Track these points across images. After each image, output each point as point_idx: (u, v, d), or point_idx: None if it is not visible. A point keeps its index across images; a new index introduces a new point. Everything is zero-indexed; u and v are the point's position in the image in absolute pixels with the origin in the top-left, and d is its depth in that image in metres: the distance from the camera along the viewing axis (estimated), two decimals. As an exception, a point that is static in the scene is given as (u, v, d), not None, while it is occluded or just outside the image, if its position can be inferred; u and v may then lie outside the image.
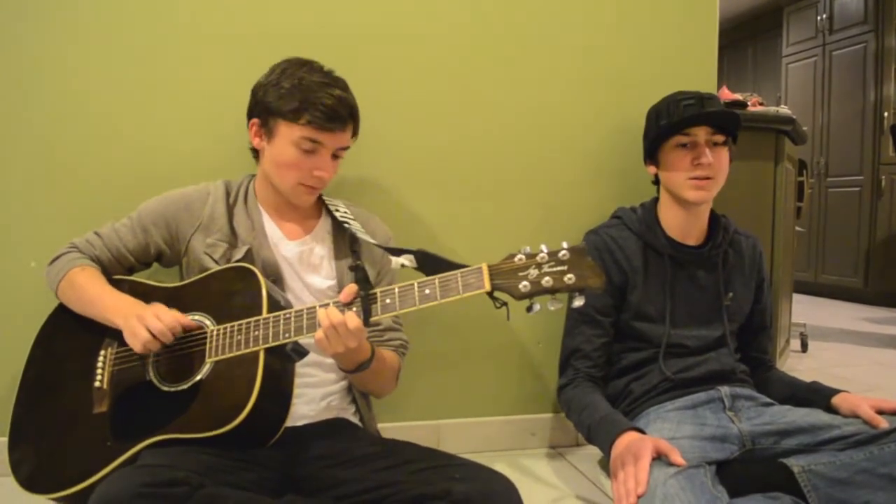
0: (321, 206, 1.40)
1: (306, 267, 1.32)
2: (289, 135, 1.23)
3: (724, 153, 1.49)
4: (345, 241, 1.35)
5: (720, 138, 1.48)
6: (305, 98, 1.21)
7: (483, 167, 1.75)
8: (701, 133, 1.46)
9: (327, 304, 1.10)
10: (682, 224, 1.55)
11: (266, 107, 1.25)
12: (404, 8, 1.68)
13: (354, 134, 1.32)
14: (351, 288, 1.09)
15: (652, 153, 1.55)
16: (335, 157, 1.29)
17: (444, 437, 1.74)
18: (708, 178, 1.46)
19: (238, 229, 1.31)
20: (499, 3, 1.73)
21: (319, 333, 1.08)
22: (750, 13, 6.10)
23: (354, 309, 1.08)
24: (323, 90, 1.22)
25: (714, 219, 1.59)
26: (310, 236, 1.35)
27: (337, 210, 1.37)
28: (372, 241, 1.29)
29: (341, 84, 1.27)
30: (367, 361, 1.21)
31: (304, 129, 1.22)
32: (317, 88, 1.22)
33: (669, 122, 1.47)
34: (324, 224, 1.38)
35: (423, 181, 1.71)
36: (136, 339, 1.12)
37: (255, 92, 1.29)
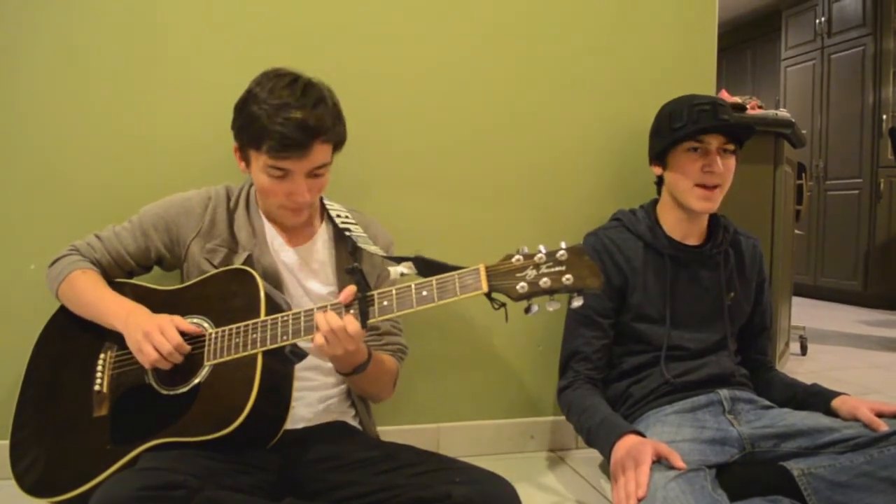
0: (322, 211, 1.40)
1: (306, 273, 1.32)
2: (257, 163, 1.21)
3: (733, 160, 1.50)
4: (345, 248, 1.34)
5: (731, 146, 1.48)
6: (262, 126, 1.15)
7: (482, 169, 1.75)
8: (714, 141, 1.46)
9: (325, 308, 1.09)
10: (682, 226, 1.55)
11: (236, 134, 1.24)
12: (405, 8, 1.68)
13: (337, 147, 1.26)
14: (350, 289, 1.09)
15: (661, 155, 1.54)
16: (314, 175, 1.22)
17: (444, 441, 1.74)
18: (715, 187, 1.47)
19: (239, 235, 1.31)
20: (498, 6, 1.74)
21: (319, 338, 1.07)
22: (749, 16, 6.11)
23: (352, 312, 1.08)
24: (279, 115, 1.14)
25: (713, 219, 1.59)
26: (310, 242, 1.34)
27: (338, 216, 1.36)
28: (372, 248, 1.29)
29: (310, 100, 1.18)
30: (363, 364, 1.20)
31: (266, 158, 1.18)
32: (273, 114, 1.14)
33: (685, 130, 1.45)
34: (325, 230, 1.37)
35: (422, 182, 1.71)
36: (145, 357, 1.12)
37: (234, 112, 1.25)
